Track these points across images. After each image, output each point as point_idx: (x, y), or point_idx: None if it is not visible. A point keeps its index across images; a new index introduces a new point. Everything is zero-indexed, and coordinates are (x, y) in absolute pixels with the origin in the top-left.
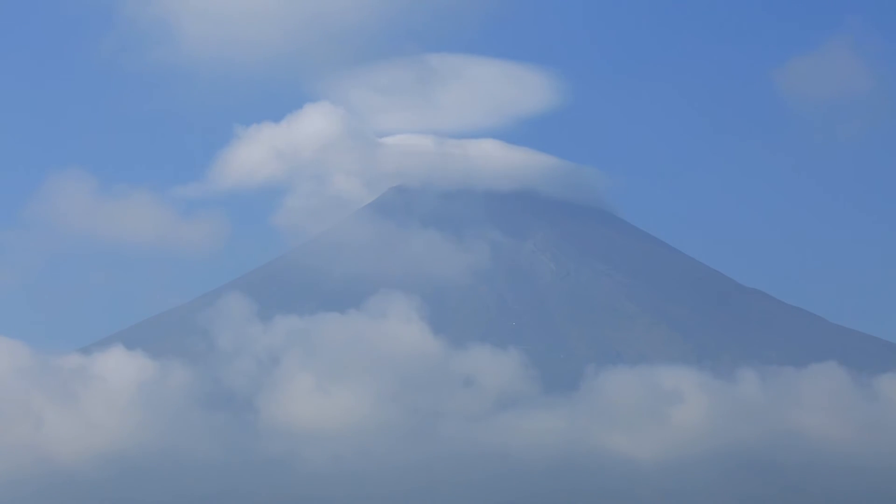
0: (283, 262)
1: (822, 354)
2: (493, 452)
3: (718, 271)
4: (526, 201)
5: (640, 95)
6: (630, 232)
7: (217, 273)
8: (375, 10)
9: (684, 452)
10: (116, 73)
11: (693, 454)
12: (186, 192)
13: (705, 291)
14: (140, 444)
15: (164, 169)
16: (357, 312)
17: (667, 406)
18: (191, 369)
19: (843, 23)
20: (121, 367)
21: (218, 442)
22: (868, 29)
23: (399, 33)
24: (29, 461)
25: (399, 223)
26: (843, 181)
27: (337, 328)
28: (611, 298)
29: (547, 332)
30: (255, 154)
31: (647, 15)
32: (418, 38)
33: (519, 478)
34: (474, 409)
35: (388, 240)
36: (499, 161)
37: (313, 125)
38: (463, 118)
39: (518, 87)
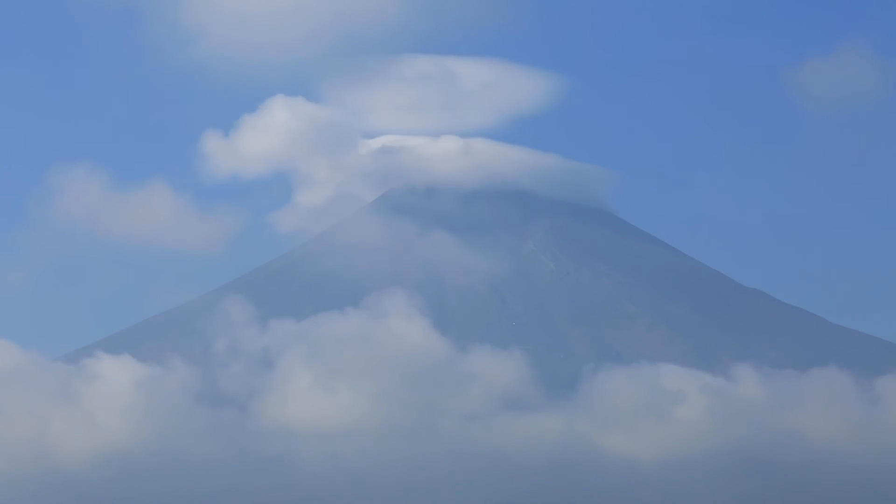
0: (283, 262)
1: (822, 355)
2: (493, 452)
3: (718, 271)
4: (526, 201)
5: (640, 94)
6: (630, 232)
7: (217, 272)
8: (374, 12)
9: (684, 452)
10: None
11: (693, 454)
12: (188, 191)
13: (705, 291)
14: (140, 445)
15: (167, 168)
16: (356, 312)
17: (667, 406)
18: (191, 369)
19: (861, 28)
20: (121, 367)
21: (218, 442)
22: (884, 37)
23: (397, 34)
24: (29, 461)
25: (399, 223)
26: (844, 181)
27: (336, 328)
28: (611, 298)
29: (547, 332)
30: (257, 154)
31: (647, 14)
32: (416, 39)
33: (518, 477)
34: (474, 408)
35: (387, 240)
36: (499, 161)
37: (313, 125)
38: (463, 118)
39: (519, 87)
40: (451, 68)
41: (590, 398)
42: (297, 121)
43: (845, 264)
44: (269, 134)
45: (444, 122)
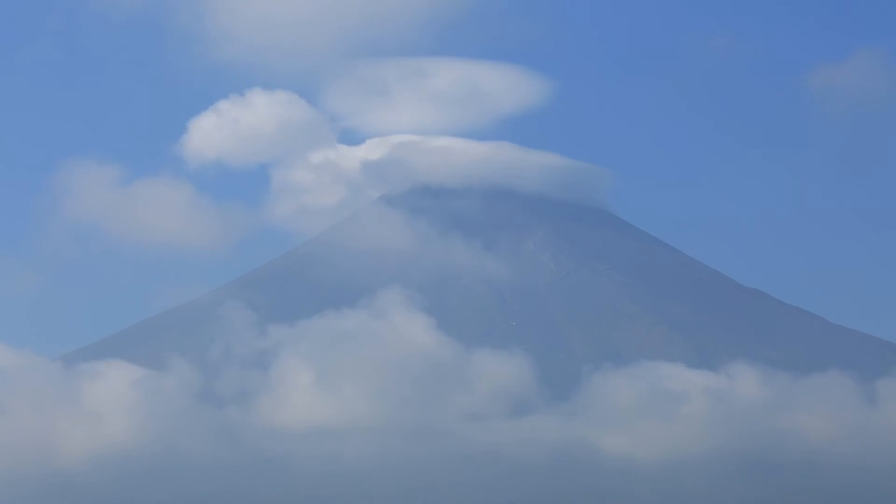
0: (283, 262)
1: (822, 355)
2: (493, 452)
3: (718, 271)
4: (526, 201)
5: (642, 95)
6: (630, 232)
7: (219, 272)
8: (369, 11)
9: (684, 452)
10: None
11: (693, 454)
12: (190, 190)
13: (705, 291)
14: (141, 444)
15: (168, 166)
16: (355, 312)
17: (666, 406)
18: (191, 369)
19: (877, 37)
20: (121, 367)
21: (218, 441)
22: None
23: (398, 37)
24: (30, 461)
25: (398, 223)
26: (844, 182)
27: (335, 328)
28: (611, 298)
29: (547, 332)
30: (257, 153)
31: (647, 13)
32: (416, 42)
33: (518, 477)
34: (474, 408)
35: (386, 240)
36: (499, 161)
37: (313, 126)
38: (463, 119)
39: (519, 88)
40: (450, 70)
41: (589, 398)
42: (297, 121)
43: (845, 264)
44: (269, 134)
45: (444, 122)
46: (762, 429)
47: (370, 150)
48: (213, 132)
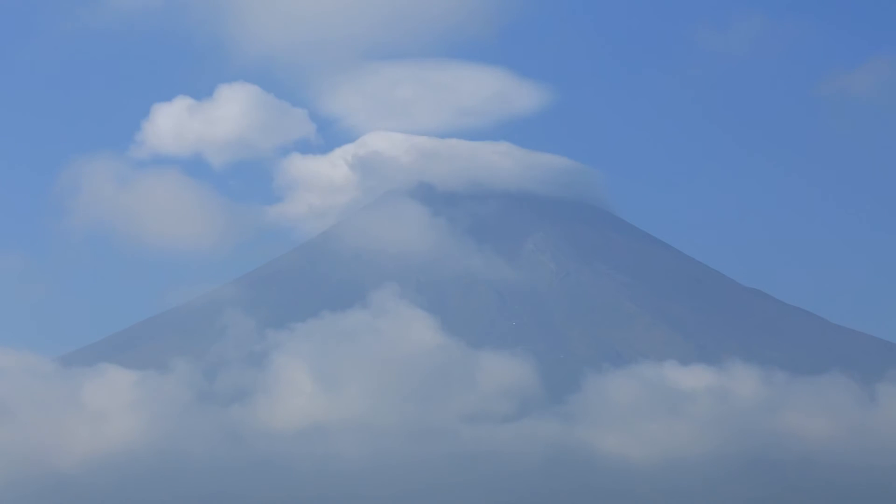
0: (284, 262)
1: (822, 355)
2: (493, 452)
3: (718, 271)
4: (526, 201)
5: (642, 95)
6: (630, 232)
7: (219, 271)
8: (372, 14)
9: (684, 452)
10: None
11: (693, 454)
12: (190, 189)
13: (705, 291)
14: (141, 444)
15: (171, 166)
16: (355, 312)
17: (666, 405)
18: (192, 369)
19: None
20: (121, 368)
21: (219, 441)
22: None
23: (398, 39)
24: (30, 461)
25: (398, 223)
26: (844, 183)
27: (334, 328)
28: (611, 298)
29: (547, 331)
30: (256, 152)
31: (648, 14)
32: (416, 44)
33: (518, 477)
34: (473, 408)
35: (386, 239)
36: (498, 161)
37: (314, 126)
38: (463, 120)
39: (520, 89)
40: (450, 72)
41: (589, 398)
42: (298, 121)
43: (845, 264)
44: (270, 134)
45: (444, 123)
46: (762, 429)
47: (371, 151)
48: (213, 132)
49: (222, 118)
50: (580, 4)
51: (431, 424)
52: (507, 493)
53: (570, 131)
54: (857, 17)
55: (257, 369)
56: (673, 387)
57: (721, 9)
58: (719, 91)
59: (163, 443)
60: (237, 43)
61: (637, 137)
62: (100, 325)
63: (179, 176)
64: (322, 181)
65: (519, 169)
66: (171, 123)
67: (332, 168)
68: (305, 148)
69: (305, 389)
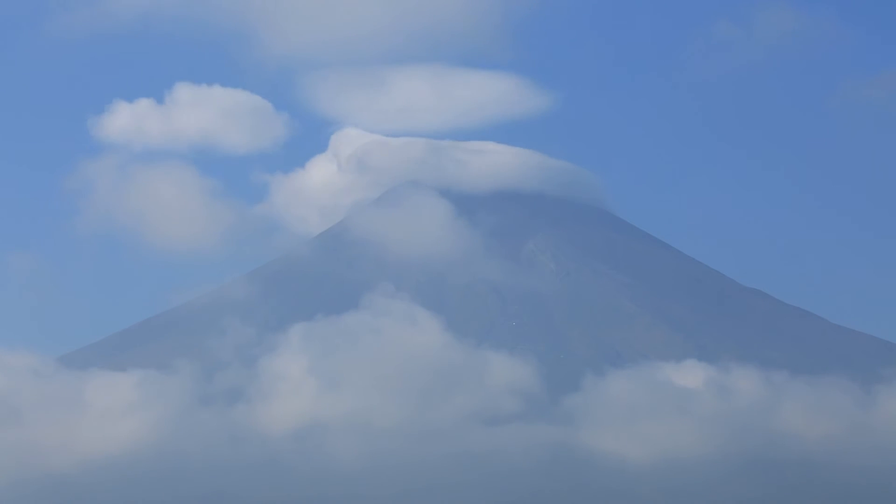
0: (285, 262)
1: (822, 355)
2: (493, 452)
3: (718, 271)
4: (526, 202)
5: (642, 96)
6: (630, 232)
7: (220, 271)
8: (380, 18)
9: (684, 452)
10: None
11: (693, 454)
12: (190, 189)
13: (705, 291)
14: (141, 444)
15: (172, 164)
16: (356, 313)
17: (666, 405)
18: (193, 370)
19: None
20: (121, 368)
21: (219, 442)
22: None
23: (398, 42)
24: (30, 461)
25: (398, 223)
26: (844, 183)
27: (335, 328)
28: (611, 298)
29: (547, 331)
30: (254, 151)
31: (649, 14)
32: (416, 47)
33: (518, 477)
34: (473, 408)
35: (386, 240)
36: (498, 162)
37: (315, 126)
38: (463, 121)
39: (520, 89)
40: (451, 75)
41: (590, 398)
42: (299, 121)
43: (845, 264)
44: (271, 134)
45: (445, 124)
46: (762, 429)
47: (372, 151)
48: (215, 133)
49: (225, 119)
50: (583, 10)
51: (431, 424)
52: (508, 493)
53: (572, 132)
54: (871, 27)
55: (259, 369)
56: (673, 387)
57: (720, 17)
58: (720, 91)
59: (164, 442)
60: (243, 45)
61: (638, 138)
62: (100, 325)
63: (182, 176)
64: (325, 182)
65: (519, 169)
66: (172, 123)
67: (335, 168)
68: (308, 148)
69: (307, 390)
